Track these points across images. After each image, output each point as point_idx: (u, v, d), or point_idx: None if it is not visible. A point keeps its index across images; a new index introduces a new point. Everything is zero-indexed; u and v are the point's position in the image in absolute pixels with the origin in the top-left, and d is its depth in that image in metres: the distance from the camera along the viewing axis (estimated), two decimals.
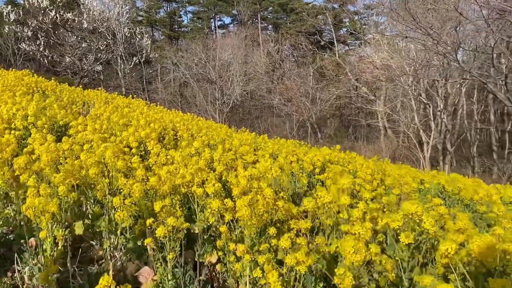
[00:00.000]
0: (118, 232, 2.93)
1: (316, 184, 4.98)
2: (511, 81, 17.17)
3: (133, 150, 4.24)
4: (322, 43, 40.33)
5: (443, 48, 16.96)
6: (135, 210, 2.64)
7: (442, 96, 26.86)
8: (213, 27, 50.54)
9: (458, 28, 18.99)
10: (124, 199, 2.63)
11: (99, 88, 15.86)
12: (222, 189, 2.75)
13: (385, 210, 2.67)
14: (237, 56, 36.43)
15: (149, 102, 15.99)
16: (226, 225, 2.67)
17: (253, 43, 42.77)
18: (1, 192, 3.45)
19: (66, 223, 2.93)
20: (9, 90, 8.33)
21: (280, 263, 2.49)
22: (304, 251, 2.01)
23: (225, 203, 2.58)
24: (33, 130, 4.29)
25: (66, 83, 14.00)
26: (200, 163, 3.39)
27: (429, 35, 16.81)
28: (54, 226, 2.62)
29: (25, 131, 4.80)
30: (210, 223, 2.67)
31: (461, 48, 18.08)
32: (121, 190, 2.86)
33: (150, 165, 3.92)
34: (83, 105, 9.97)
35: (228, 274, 2.54)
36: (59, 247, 2.65)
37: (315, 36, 40.10)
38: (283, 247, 2.05)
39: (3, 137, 4.39)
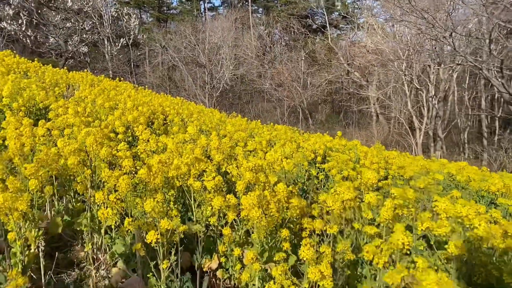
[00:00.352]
0: (102, 231, 2.54)
1: (318, 174, 4.63)
2: (505, 67, 16.96)
3: (120, 136, 3.83)
4: (314, 26, 39.70)
5: (439, 33, 16.62)
6: (121, 207, 2.25)
7: (434, 82, 26.64)
8: (202, 9, 49.44)
9: (451, 13, 18.67)
10: (108, 194, 2.24)
11: (85, 70, 15.22)
12: (223, 183, 2.36)
13: (410, 207, 2.31)
14: (227, 39, 35.62)
15: (137, 86, 15.41)
16: (228, 224, 2.30)
17: (243, 26, 41.91)
18: None
19: (42, 221, 2.53)
20: None
21: (293, 268, 2.14)
22: (328, 261, 1.64)
23: (227, 199, 2.20)
24: (7, 112, 3.84)
25: (50, 65, 13.35)
26: (196, 152, 2.99)
27: (424, 19, 16.46)
28: (26, 225, 2.22)
29: (0, 114, 4.35)
30: (210, 222, 2.28)
31: (453, 34, 17.75)
32: (106, 183, 2.46)
33: (139, 154, 3.51)
34: (68, 88, 9.43)
35: (232, 282, 2.17)
36: (32, 250, 2.26)
37: (307, 20, 39.44)
38: (305, 259, 1.68)
39: None
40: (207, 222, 2.44)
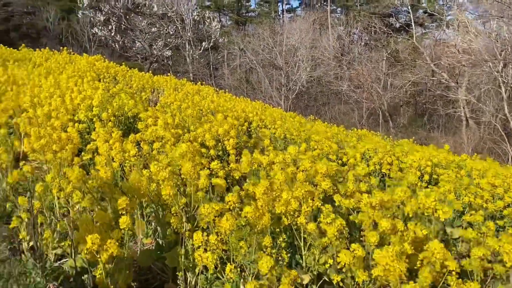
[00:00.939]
0: (197, 270, 2.20)
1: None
2: None
3: (211, 152, 3.52)
4: (398, 25, 37.69)
5: None
6: (222, 250, 1.88)
7: None
8: (280, 11, 49.35)
9: None
10: (207, 234, 1.88)
11: (168, 73, 15.61)
12: (346, 227, 1.89)
13: None
14: (305, 40, 35.02)
15: (217, 89, 15.49)
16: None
17: (321, 27, 41.04)
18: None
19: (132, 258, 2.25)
20: (79, 76, 8.06)
21: None
22: None
23: (352, 251, 1.72)
24: (97, 123, 3.71)
25: (136, 68, 13.84)
26: (299, 177, 2.56)
27: None
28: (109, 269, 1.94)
29: (90, 123, 4.28)
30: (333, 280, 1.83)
31: None
32: (202, 216, 2.11)
33: (232, 173, 3.17)
34: (152, 92, 9.58)
35: None
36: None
37: (390, 18, 37.57)
38: None
39: (65, 130, 3.87)
40: (320, 271, 2.00)
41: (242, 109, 8.88)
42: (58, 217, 2.96)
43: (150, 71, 13.81)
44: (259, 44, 34.84)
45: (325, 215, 1.91)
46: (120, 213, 1.89)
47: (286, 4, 49.92)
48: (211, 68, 35.75)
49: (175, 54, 29.44)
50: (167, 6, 18.73)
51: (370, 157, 5.49)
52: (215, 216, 1.97)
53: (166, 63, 21.47)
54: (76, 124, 3.92)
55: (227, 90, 20.27)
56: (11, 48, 14.53)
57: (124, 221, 1.86)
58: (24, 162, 4.12)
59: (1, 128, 3.93)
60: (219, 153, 3.87)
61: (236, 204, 1.98)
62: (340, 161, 5.07)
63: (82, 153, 3.72)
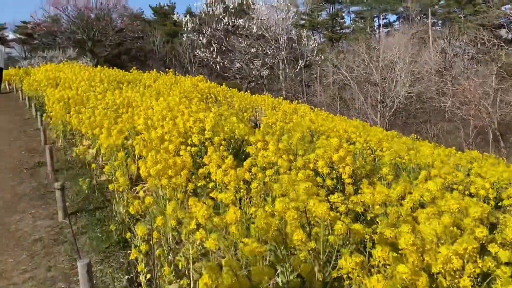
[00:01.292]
0: None
1: None
2: None
3: (328, 182, 3.23)
4: (510, 36, 34.26)
5: None
6: None
7: None
8: (376, 26, 47.92)
9: None
10: None
11: (264, 92, 15.77)
12: None
13: None
14: (403, 55, 33.34)
15: (313, 107, 15.22)
16: None
17: (421, 41, 38.88)
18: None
19: None
20: (186, 96, 8.34)
21: None
22: None
23: None
24: (210, 148, 3.64)
25: (236, 88, 14.15)
26: (444, 221, 2.14)
27: None
28: None
29: (201, 146, 4.26)
30: None
31: None
32: (343, 271, 1.82)
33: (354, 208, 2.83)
34: (252, 110, 9.63)
35: None
36: None
37: (501, 29, 34.30)
38: None
39: (178, 154, 3.87)
40: None
41: (344, 129, 8.48)
42: (171, 246, 2.88)
43: (248, 91, 14.02)
44: (354, 60, 33.97)
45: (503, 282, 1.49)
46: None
47: (383, 19, 48.35)
48: (304, 86, 35.65)
49: (269, 73, 29.93)
50: (265, 28, 19.07)
51: (502, 187, 4.75)
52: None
53: (261, 82, 21.83)
54: (189, 148, 3.90)
55: (320, 107, 19.93)
56: (123, 71, 15.85)
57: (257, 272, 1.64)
58: (139, 185, 4.22)
59: (119, 151, 4.06)
60: (333, 183, 3.56)
61: (387, 261, 1.65)
62: (467, 192, 4.45)
63: (193, 176, 3.66)
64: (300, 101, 19.02)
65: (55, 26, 26.85)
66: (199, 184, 3.29)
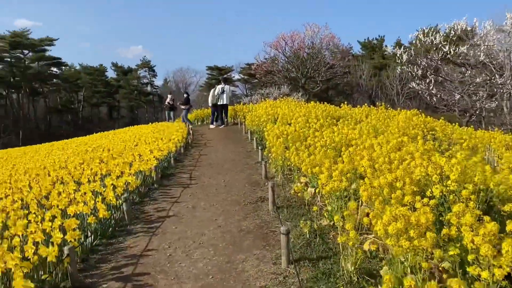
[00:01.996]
0: None
1: None
2: None
3: None
4: None
5: None
6: None
7: None
8: None
9: None
10: None
11: (484, 126, 13.51)
12: None
13: None
14: None
15: None
16: None
17: None
18: None
19: None
20: (404, 133, 7.63)
21: None
22: None
23: None
24: (459, 205, 2.93)
25: (451, 122, 12.47)
26: None
27: None
28: None
29: (441, 199, 3.55)
30: None
31: None
32: None
33: None
34: (482, 151, 8.17)
35: None
36: None
37: None
38: None
39: (413, 208, 3.28)
40: None
41: None
42: None
43: (470, 125, 12.21)
44: None
45: None
46: None
47: None
48: None
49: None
50: (491, 55, 16.54)
51: None
52: None
53: (486, 115, 18.91)
54: (425, 200, 3.27)
55: None
56: (333, 106, 16.01)
57: None
58: (368, 240, 3.80)
59: (350, 199, 3.72)
60: None
61: None
62: None
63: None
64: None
65: (273, 66, 29.64)
66: (450, 253, 2.64)
